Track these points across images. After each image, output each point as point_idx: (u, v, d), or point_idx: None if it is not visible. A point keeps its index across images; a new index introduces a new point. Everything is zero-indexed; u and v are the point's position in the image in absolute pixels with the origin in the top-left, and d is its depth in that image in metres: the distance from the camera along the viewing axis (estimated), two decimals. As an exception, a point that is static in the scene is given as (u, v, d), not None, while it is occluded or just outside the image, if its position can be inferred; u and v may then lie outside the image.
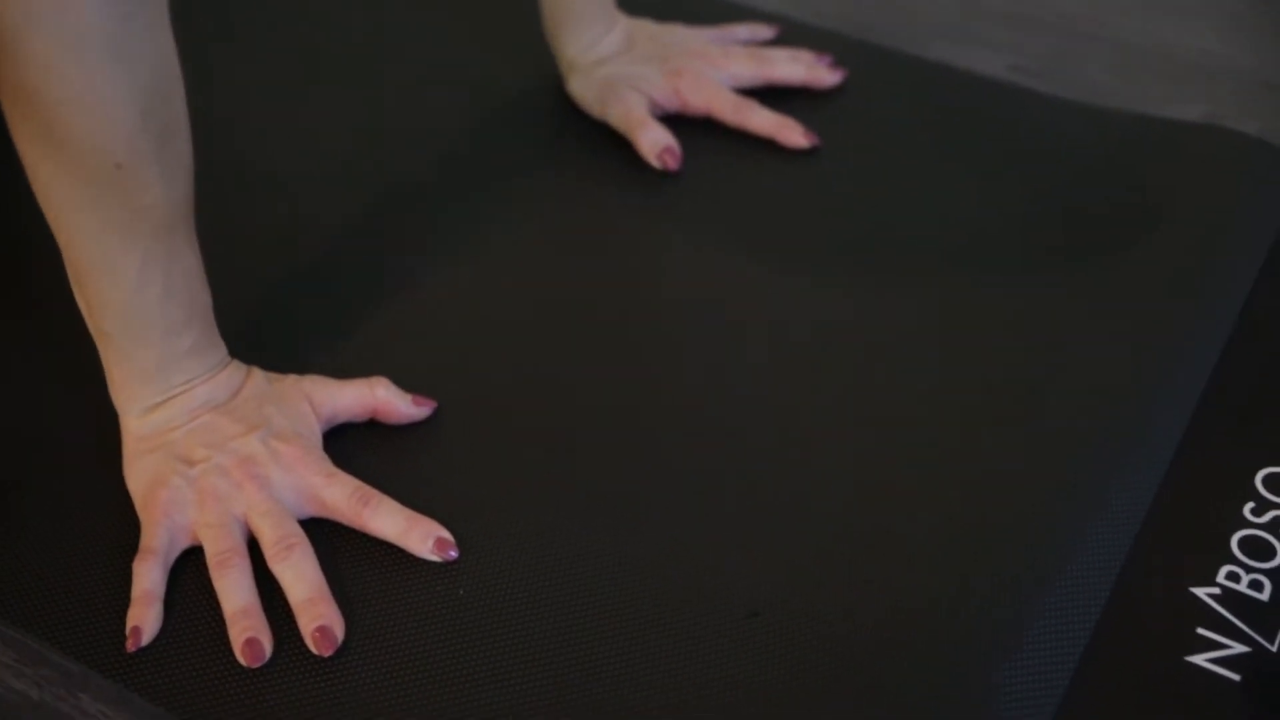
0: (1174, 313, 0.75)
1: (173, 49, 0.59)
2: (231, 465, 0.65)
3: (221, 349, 0.68)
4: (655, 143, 0.85)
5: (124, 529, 0.66)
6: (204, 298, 0.66)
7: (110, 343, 0.65)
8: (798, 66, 0.90)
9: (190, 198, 0.63)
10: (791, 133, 0.86)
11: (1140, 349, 0.74)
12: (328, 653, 0.61)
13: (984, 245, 0.81)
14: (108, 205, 0.59)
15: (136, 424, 0.67)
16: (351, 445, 0.70)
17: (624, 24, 0.90)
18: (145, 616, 0.62)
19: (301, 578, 0.63)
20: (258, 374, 0.69)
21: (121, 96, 0.56)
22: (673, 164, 0.85)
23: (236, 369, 0.69)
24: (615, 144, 0.87)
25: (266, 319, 0.76)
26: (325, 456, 0.67)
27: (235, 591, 0.63)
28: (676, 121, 0.88)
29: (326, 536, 0.66)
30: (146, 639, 0.62)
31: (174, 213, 0.62)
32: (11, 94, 0.56)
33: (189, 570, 0.65)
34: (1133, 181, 0.84)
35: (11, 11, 0.53)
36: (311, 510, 0.66)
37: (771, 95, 0.90)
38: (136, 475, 0.66)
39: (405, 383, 0.71)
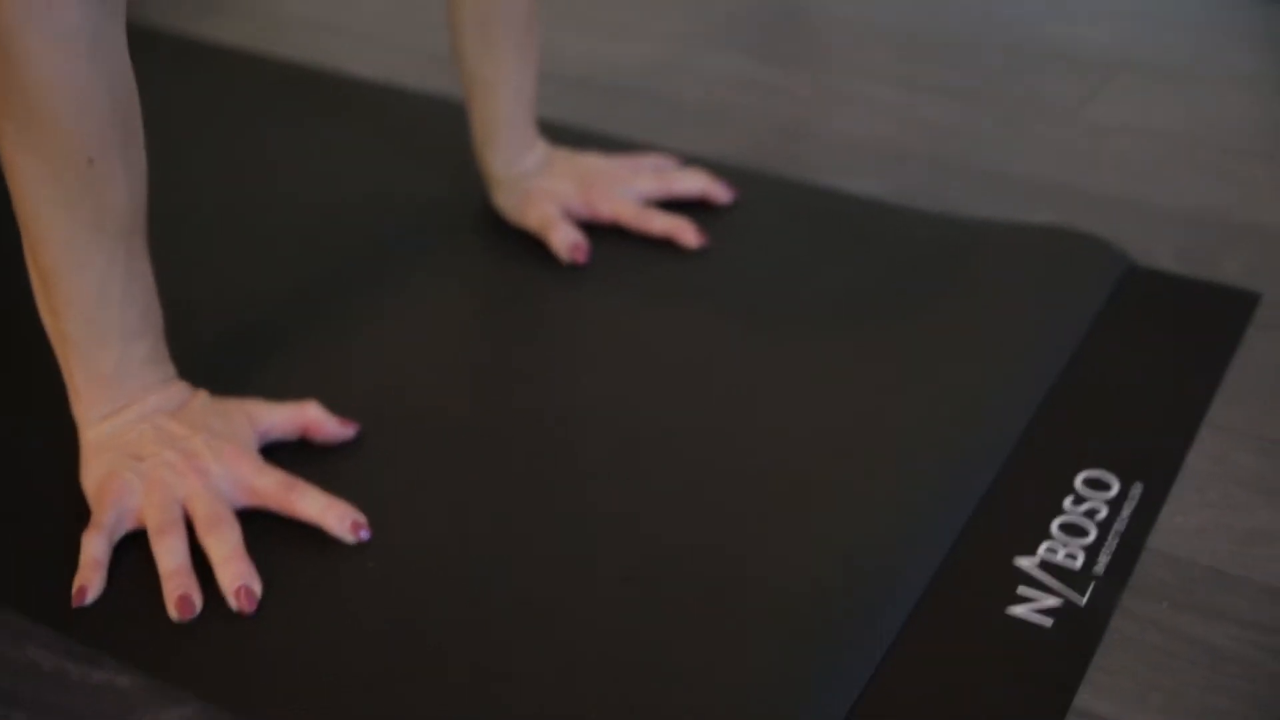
0: (1011, 354, 0.87)
1: (129, 62, 0.71)
2: (176, 459, 0.75)
3: (171, 366, 0.78)
4: (565, 240, 0.98)
5: (76, 517, 0.75)
6: (157, 311, 0.76)
7: (73, 348, 0.74)
8: (696, 180, 1.03)
9: (144, 208, 0.74)
10: (685, 233, 0.99)
11: (983, 378, 0.85)
12: (249, 608, 0.69)
13: (852, 318, 0.92)
14: (80, 201, 0.70)
15: (94, 433, 0.76)
16: (284, 457, 0.79)
17: (543, 147, 1.03)
18: (91, 579, 0.70)
19: (224, 543, 0.72)
20: (203, 393, 0.79)
21: (97, 91, 0.68)
22: (581, 258, 0.97)
23: (185, 386, 0.79)
24: (534, 246, 1.00)
25: (220, 365, 0.87)
26: (259, 456, 0.77)
27: (170, 554, 0.71)
28: (589, 229, 1.01)
29: (258, 528, 0.74)
30: (91, 598, 0.70)
31: (134, 217, 0.73)
32: (1, 93, 0.68)
33: (133, 551, 0.73)
34: (985, 262, 0.96)
35: (12, 11, 0.65)
36: (244, 498, 0.75)
37: (673, 208, 1.03)
38: (92, 474, 0.75)
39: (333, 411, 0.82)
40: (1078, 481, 0.78)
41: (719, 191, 1.04)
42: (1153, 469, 0.79)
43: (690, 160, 1.08)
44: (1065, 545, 0.74)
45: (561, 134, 1.08)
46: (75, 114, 0.68)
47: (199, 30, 1.35)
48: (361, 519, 0.74)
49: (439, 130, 1.13)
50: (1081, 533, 0.75)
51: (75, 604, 0.70)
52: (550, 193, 1.00)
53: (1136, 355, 0.89)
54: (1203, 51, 1.31)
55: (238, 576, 0.70)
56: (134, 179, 0.72)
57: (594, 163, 1.04)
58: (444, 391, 0.86)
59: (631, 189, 1.02)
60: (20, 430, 0.82)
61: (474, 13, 0.97)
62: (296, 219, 1.04)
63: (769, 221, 1.03)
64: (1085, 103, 1.20)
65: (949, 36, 1.35)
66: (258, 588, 0.70)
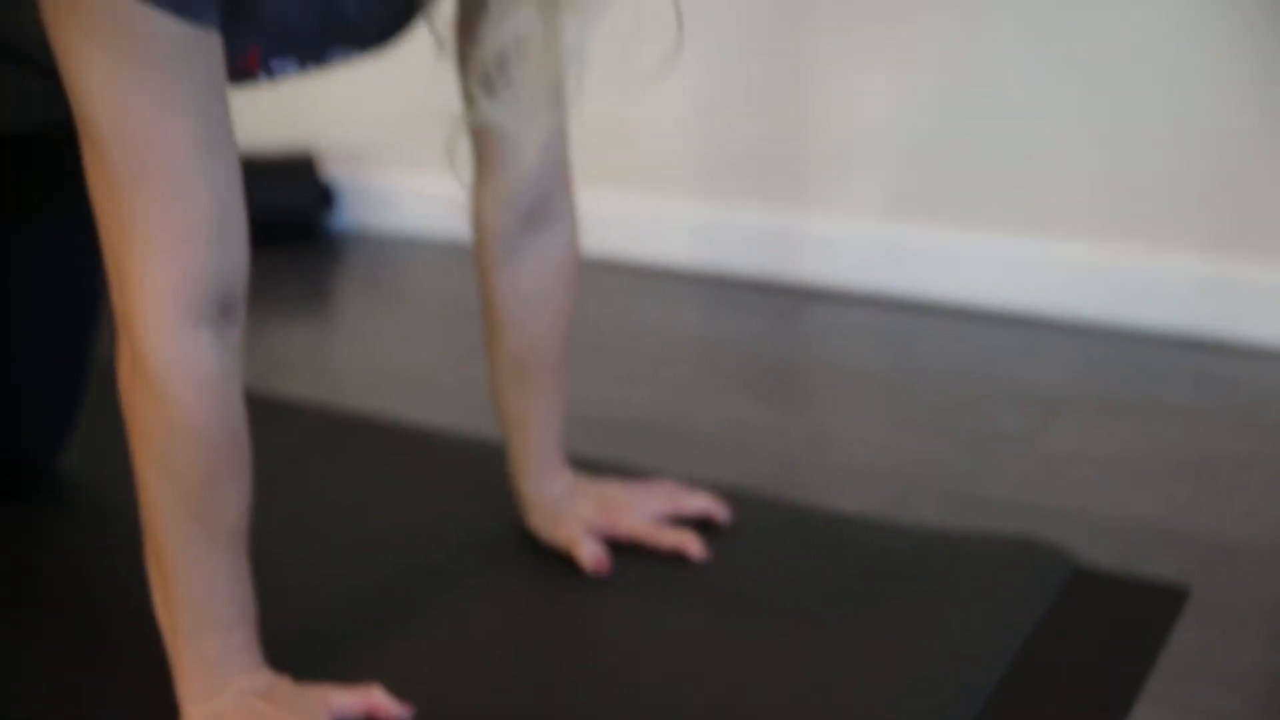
0: (971, 642, 1.02)
1: (243, 402, 0.88)
2: (263, 732, 0.89)
3: (260, 653, 0.93)
4: (590, 555, 1.13)
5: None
6: (252, 606, 0.92)
7: (183, 636, 0.89)
8: (700, 501, 1.20)
9: (248, 519, 0.90)
10: (691, 546, 1.15)
11: (946, 664, 0.99)
12: None
13: (833, 615, 1.07)
14: (200, 514, 0.87)
15: (196, 711, 0.91)
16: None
17: (569, 475, 1.20)
18: (191, 840, 0.84)
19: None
20: (286, 678, 0.94)
21: (222, 427, 0.86)
22: (604, 570, 1.13)
23: (271, 672, 0.93)
24: (563, 560, 1.15)
25: (298, 654, 1.01)
26: (332, 730, 0.91)
27: (260, 810, 0.84)
28: (610, 544, 1.16)
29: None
30: None
31: (240, 527, 0.89)
32: (145, 425, 0.85)
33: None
34: (950, 566, 1.12)
35: (166, 363, 0.83)
36: (321, 765, 0.89)
37: (681, 525, 1.19)
38: (193, 750, 0.90)
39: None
40: (1029, 744, 0.92)
41: (719, 511, 1.20)
42: (1094, 733, 0.93)
43: (695, 484, 1.26)
44: (1018, 795, 0.87)
45: (585, 464, 1.25)
46: (205, 444, 0.86)
47: (266, 385, 1.55)
48: (419, 782, 0.88)
49: (481, 467, 1.30)
50: (1032, 785, 0.88)
51: None
52: (576, 514, 1.17)
53: (1082, 641, 1.03)
54: (1140, 388, 1.50)
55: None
56: (243, 495, 0.89)
57: (613, 488, 1.21)
58: (484, 681, 1.01)
59: (645, 510, 1.19)
60: (130, 713, 0.96)
61: (511, 364, 1.16)
62: (362, 537, 1.21)
63: (763, 536, 1.19)
64: (1038, 433, 1.38)
65: (920, 378, 1.55)
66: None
